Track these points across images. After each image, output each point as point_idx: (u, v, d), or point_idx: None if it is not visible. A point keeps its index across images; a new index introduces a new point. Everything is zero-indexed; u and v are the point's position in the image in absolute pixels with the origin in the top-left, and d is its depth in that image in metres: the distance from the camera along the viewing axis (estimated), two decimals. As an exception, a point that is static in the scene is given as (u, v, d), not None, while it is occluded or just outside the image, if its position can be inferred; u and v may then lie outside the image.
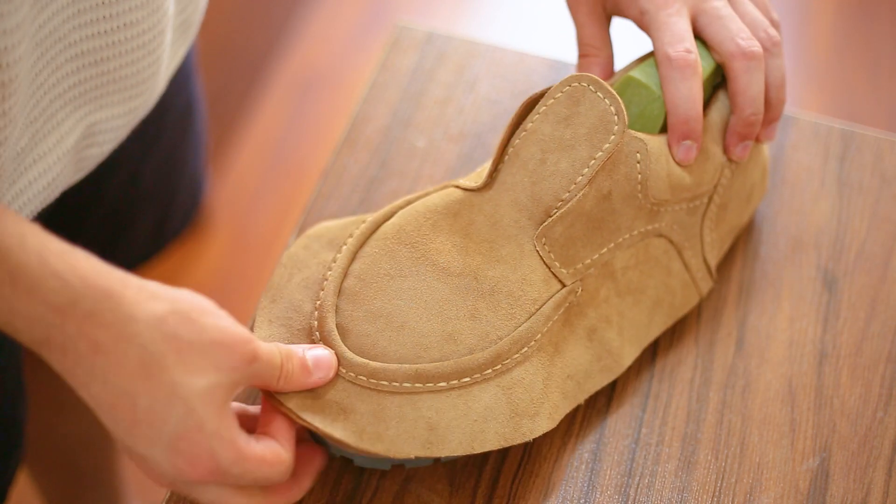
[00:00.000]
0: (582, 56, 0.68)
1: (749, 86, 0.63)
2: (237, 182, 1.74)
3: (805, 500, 0.60)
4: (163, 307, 0.49)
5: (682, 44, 0.62)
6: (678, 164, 0.63)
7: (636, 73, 0.64)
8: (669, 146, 0.63)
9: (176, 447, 0.49)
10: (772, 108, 0.65)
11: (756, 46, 0.63)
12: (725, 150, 0.65)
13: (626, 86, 0.64)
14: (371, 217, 0.62)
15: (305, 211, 0.71)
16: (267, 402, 0.56)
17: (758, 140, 0.67)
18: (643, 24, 0.65)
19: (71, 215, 0.77)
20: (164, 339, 0.49)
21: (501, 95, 0.77)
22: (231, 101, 1.71)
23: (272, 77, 1.85)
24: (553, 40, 1.93)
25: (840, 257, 0.70)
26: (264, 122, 1.80)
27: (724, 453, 0.62)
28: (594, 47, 0.67)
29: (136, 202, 0.84)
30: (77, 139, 0.63)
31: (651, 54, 0.66)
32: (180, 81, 0.82)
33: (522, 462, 0.61)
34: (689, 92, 0.62)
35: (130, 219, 0.85)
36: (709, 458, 0.62)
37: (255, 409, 0.58)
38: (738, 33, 0.63)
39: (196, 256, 1.66)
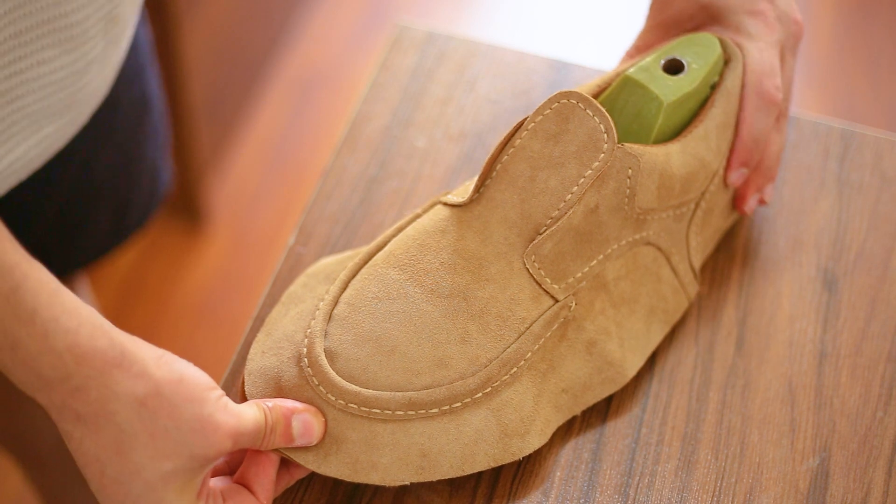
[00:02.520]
0: (627, 53, 0.70)
1: (757, 120, 0.66)
2: (237, 182, 1.74)
3: (805, 500, 0.60)
4: (145, 388, 0.51)
5: (776, 79, 0.65)
6: (729, 185, 0.66)
7: (634, 73, 0.63)
8: (727, 169, 0.66)
9: None
10: (764, 171, 0.68)
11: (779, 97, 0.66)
12: (737, 198, 0.68)
13: (623, 86, 0.63)
14: (365, 248, 0.62)
15: (305, 211, 0.71)
16: None
17: (761, 202, 0.69)
18: (735, 41, 0.67)
19: (19, 208, 0.77)
20: (140, 420, 0.51)
21: (501, 95, 0.77)
22: (231, 101, 1.71)
23: (272, 77, 1.85)
24: (553, 40, 1.93)
25: (840, 257, 0.70)
26: (264, 122, 1.80)
27: (724, 453, 0.62)
28: (639, 49, 0.70)
29: (91, 195, 0.84)
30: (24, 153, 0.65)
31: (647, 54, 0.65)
32: (130, 75, 0.82)
33: (523, 462, 0.61)
34: (766, 127, 0.65)
35: (86, 212, 0.85)
36: (709, 457, 0.62)
37: None
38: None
39: (196, 256, 1.66)
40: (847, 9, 2.01)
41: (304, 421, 0.56)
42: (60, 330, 0.50)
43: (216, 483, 0.56)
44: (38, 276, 0.50)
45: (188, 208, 1.65)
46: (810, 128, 0.76)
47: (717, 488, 0.61)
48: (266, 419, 0.55)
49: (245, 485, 0.56)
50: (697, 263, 0.66)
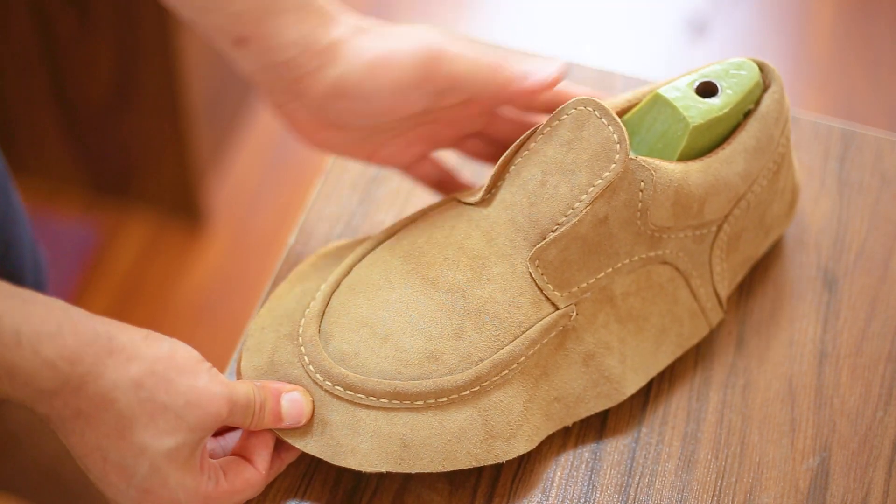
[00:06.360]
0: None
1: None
2: (237, 182, 1.74)
3: (805, 500, 0.60)
4: (140, 369, 0.52)
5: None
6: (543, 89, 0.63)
7: (665, 91, 0.62)
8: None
9: (143, 500, 0.53)
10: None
11: None
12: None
13: (654, 103, 0.62)
14: (376, 235, 0.63)
15: (305, 211, 0.71)
16: None
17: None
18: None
19: None
20: (139, 402, 0.52)
21: (501, 95, 0.77)
22: (231, 102, 1.71)
23: (272, 77, 1.84)
24: (553, 40, 1.93)
25: (840, 257, 0.70)
26: (264, 122, 1.80)
27: (724, 452, 0.62)
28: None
29: None
30: None
31: (682, 75, 0.64)
32: None
33: (523, 461, 0.61)
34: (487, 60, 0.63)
35: None
36: (709, 457, 0.62)
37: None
38: None
39: (196, 256, 1.66)
40: (847, 9, 2.01)
41: (294, 400, 0.57)
42: (45, 339, 0.50)
43: (213, 460, 0.56)
44: (2, 295, 0.50)
45: (188, 208, 1.65)
46: (810, 128, 0.76)
47: (717, 488, 0.61)
48: (257, 398, 0.56)
49: (244, 456, 0.57)
50: (723, 291, 0.65)
